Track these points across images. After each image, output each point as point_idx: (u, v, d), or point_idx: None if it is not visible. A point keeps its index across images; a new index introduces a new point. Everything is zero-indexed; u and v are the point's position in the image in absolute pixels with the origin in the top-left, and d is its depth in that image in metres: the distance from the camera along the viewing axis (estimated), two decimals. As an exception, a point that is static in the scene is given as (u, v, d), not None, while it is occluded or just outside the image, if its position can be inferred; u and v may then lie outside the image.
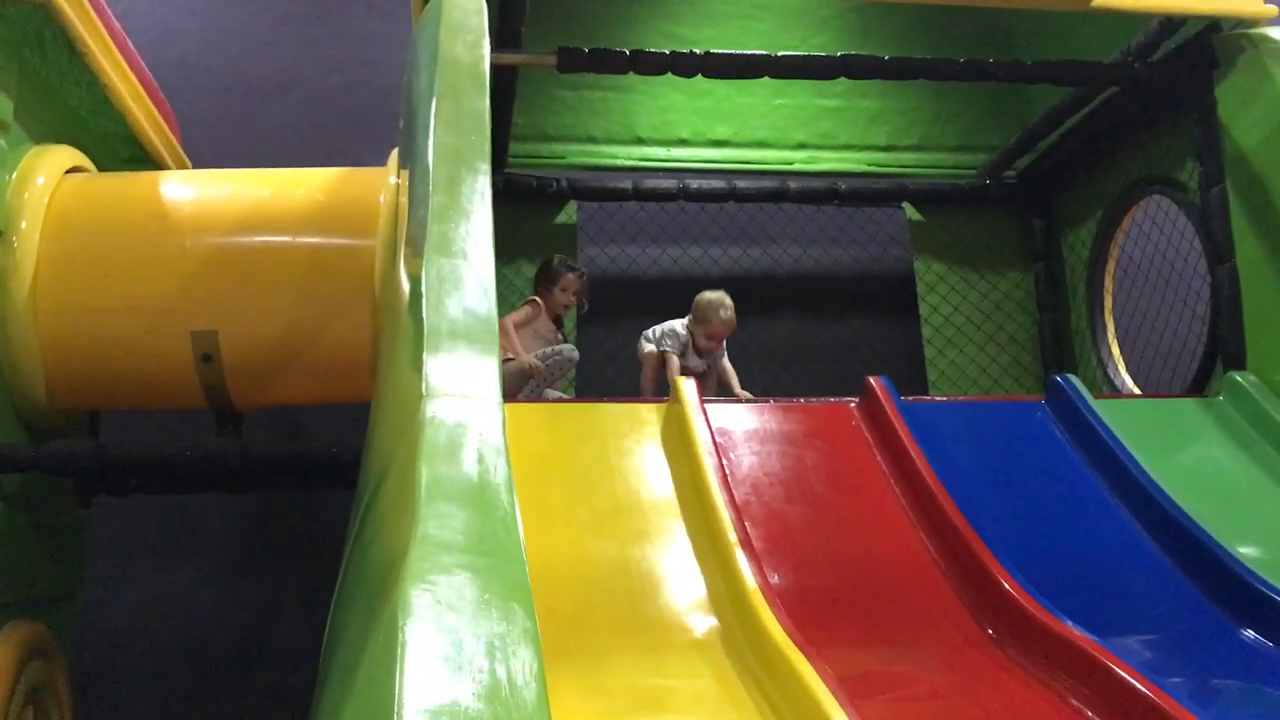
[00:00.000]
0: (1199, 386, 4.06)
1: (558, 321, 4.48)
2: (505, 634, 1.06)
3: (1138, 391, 4.58)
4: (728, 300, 4.32)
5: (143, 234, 3.48)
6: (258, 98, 5.17)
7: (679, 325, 4.36)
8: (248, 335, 3.49)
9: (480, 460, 1.53)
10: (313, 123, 5.13)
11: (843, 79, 5.04)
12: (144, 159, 4.04)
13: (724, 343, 4.40)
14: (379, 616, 1.13)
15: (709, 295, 4.35)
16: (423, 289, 2.03)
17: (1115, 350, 4.84)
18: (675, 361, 4.28)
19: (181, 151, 4.27)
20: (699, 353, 4.30)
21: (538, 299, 4.42)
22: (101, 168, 3.81)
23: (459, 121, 2.57)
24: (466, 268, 2.09)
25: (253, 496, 4.47)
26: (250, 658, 4.56)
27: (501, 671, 1.00)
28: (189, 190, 3.66)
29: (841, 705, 2.09)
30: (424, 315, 1.97)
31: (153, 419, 4.12)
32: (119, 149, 4.00)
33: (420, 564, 1.17)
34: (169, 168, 4.11)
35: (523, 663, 1.02)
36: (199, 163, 4.27)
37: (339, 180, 3.73)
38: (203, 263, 3.48)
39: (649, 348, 4.38)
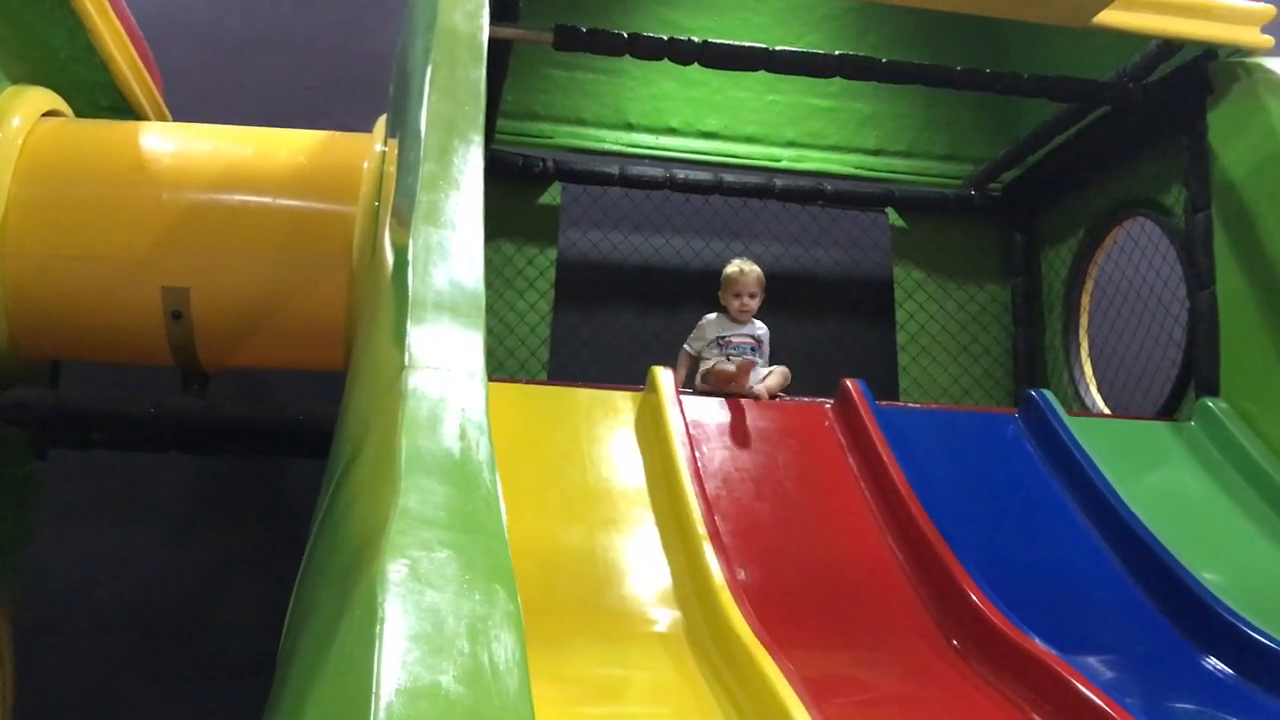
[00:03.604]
0: (1170, 410, 4.08)
1: None
2: (488, 616, 1.03)
3: (1107, 411, 4.59)
4: (743, 259, 4.18)
5: (118, 184, 3.40)
6: (244, 54, 5.07)
7: (707, 318, 4.12)
8: (220, 294, 3.41)
9: (463, 435, 1.49)
10: (299, 84, 5.03)
11: (837, 80, 5.04)
12: (124, 109, 3.94)
13: (766, 349, 4.10)
14: (354, 591, 1.09)
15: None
16: (409, 258, 1.98)
17: (1088, 369, 4.85)
18: (690, 360, 4.04)
19: (163, 104, 4.18)
20: (738, 320, 4.04)
21: None
22: (79, 115, 3.71)
23: (454, 91, 2.52)
24: (455, 239, 2.05)
25: (213, 459, 4.39)
26: (199, 623, 4.48)
27: (484, 655, 0.96)
28: (169, 143, 3.57)
29: (805, 705, 2.08)
30: (409, 285, 1.92)
31: (117, 373, 4.03)
32: (98, 97, 3.90)
33: (400, 538, 1.13)
34: (149, 119, 4.02)
35: (505, 647, 0.99)
36: (180, 117, 4.17)
37: (323, 143, 3.66)
38: (178, 218, 3.40)
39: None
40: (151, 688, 4.30)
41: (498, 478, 1.42)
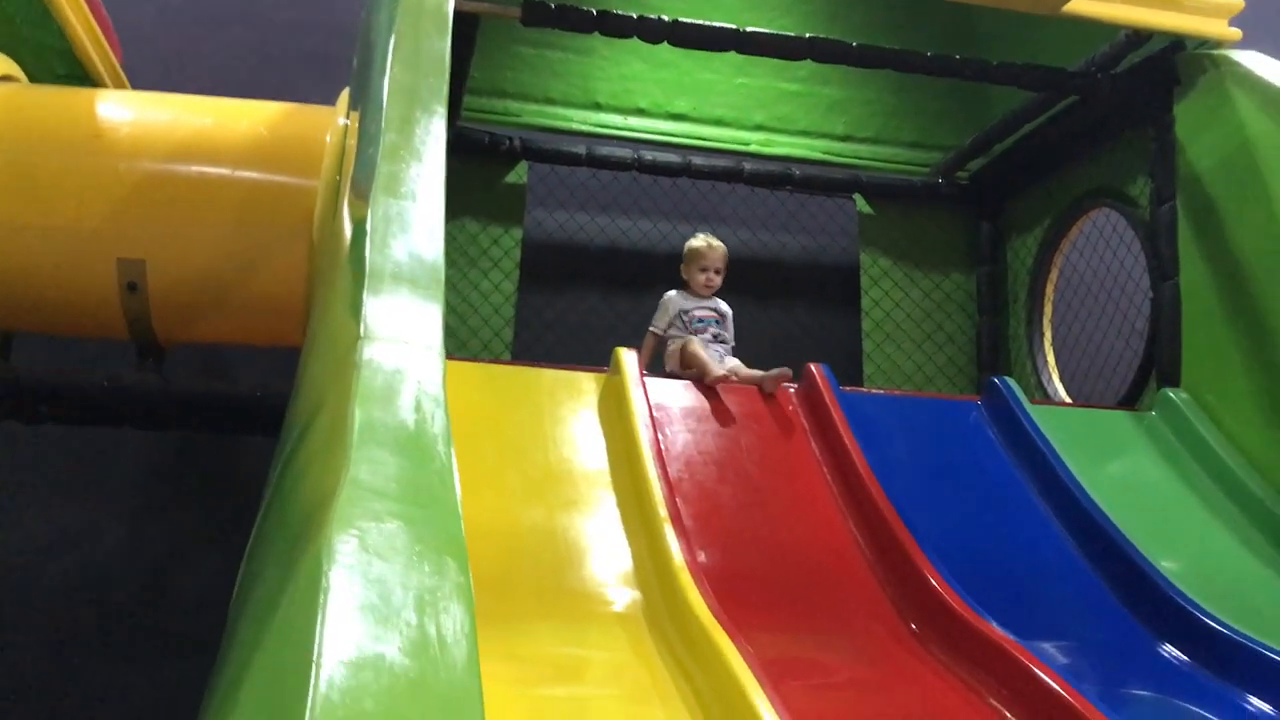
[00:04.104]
0: (1131, 400, 4.10)
1: None
2: (437, 588, 0.99)
3: (1068, 400, 4.62)
4: (706, 234, 4.13)
5: (74, 152, 3.32)
6: (206, 25, 4.97)
7: (668, 294, 4.05)
8: (177, 267, 3.35)
9: (418, 408, 1.46)
10: (260, 57, 4.95)
11: (806, 64, 5.01)
12: (81, 77, 3.86)
13: (730, 325, 4.02)
14: (300, 561, 1.05)
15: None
16: (367, 229, 1.93)
17: (1050, 358, 4.87)
18: (655, 340, 3.96)
19: (121, 72, 4.09)
20: (701, 295, 3.97)
21: None
22: (35, 82, 3.63)
23: (417, 61, 2.47)
24: (415, 210, 2.00)
25: (168, 435, 4.32)
26: (153, 602, 4.42)
27: (431, 627, 0.93)
28: (127, 111, 3.50)
29: (763, 687, 2.06)
30: (366, 256, 1.88)
31: (70, 346, 3.95)
32: (55, 64, 3.82)
33: (349, 509, 1.10)
34: (107, 88, 3.93)
35: (454, 619, 0.96)
36: (138, 86, 4.08)
37: (285, 115, 3.60)
38: (135, 188, 3.33)
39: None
40: (106, 667, 4.24)
41: (453, 452, 1.39)
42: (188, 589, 4.45)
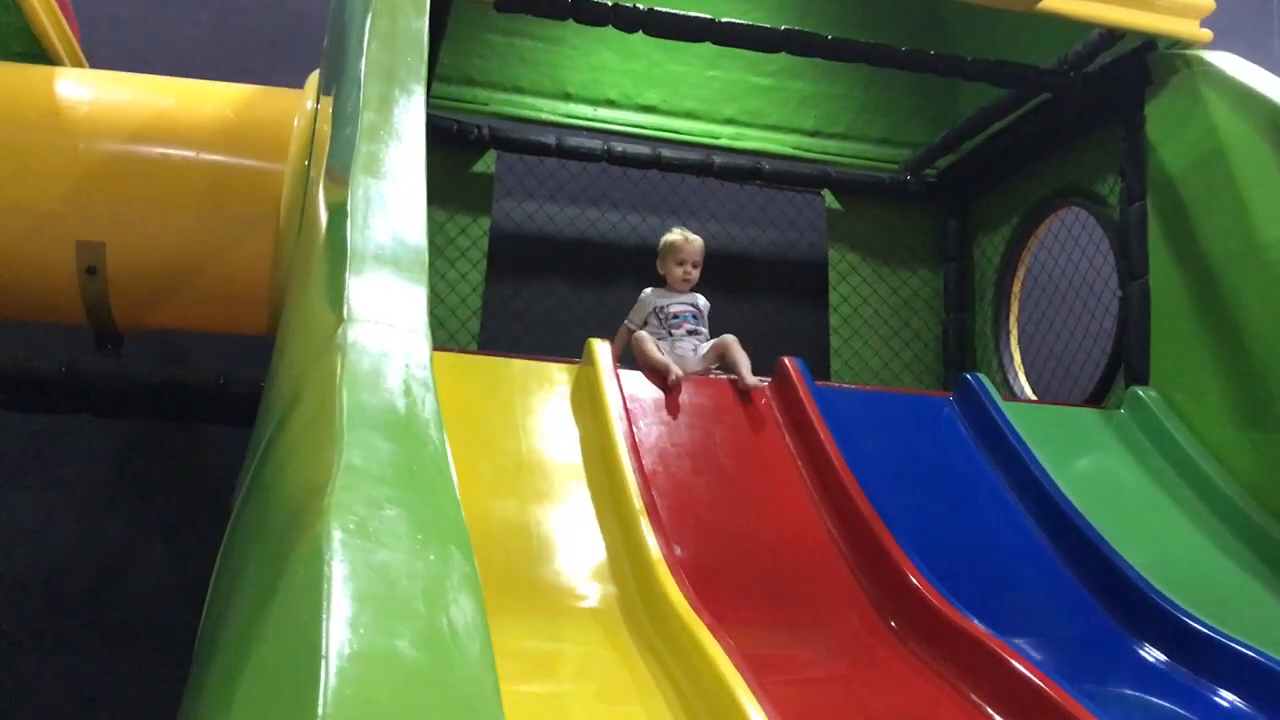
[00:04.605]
0: (1098, 398, 4.12)
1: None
2: (444, 577, 0.95)
3: (1034, 397, 4.63)
4: (683, 228, 4.06)
5: (31, 131, 3.23)
6: (169, 6, 4.86)
7: (645, 292, 3.95)
8: (138, 251, 3.27)
9: (407, 392, 1.40)
10: (224, 39, 4.84)
11: (777, 58, 5.01)
12: (38, 55, 3.74)
13: (705, 318, 3.93)
14: (295, 552, 1.00)
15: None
16: (348, 210, 1.87)
17: (1017, 356, 4.89)
18: (629, 334, 3.83)
19: (80, 53, 3.98)
20: (678, 289, 3.89)
21: None
22: (-10, 58, 3.52)
23: (395, 40, 2.41)
24: (396, 190, 1.95)
25: (127, 423, 4.21)
26: (108, 595, 4.31)
27: (441, 619, 0.88)
28: (86, 91, 3.40)
29: (746, 681, 2.03)
30: (347, 238, 1.82)
31: (26, 331, 3.84)
32: (10, 41, 3.70)
33: (345, 494, 1.04)
34: (65, 66, 3.82)
35: (464, 611, 0.91)
36: (97, 67, 3.97)
37: (251, 98, 3.52)
38: (95, 170, 3.24)
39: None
40: (60, 660, 4.13)
41: (445, 437, 1.34)
42: (143, 580, 4.34)
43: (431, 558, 0.97)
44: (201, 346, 4.22)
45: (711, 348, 3.73)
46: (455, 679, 0.83)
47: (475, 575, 0.98)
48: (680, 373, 3.48)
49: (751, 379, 3.54)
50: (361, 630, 0.83)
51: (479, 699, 0.82)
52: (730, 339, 3.71)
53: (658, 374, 3.49)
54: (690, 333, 3.83)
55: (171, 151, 3.35)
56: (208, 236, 3.33)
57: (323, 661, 0.78)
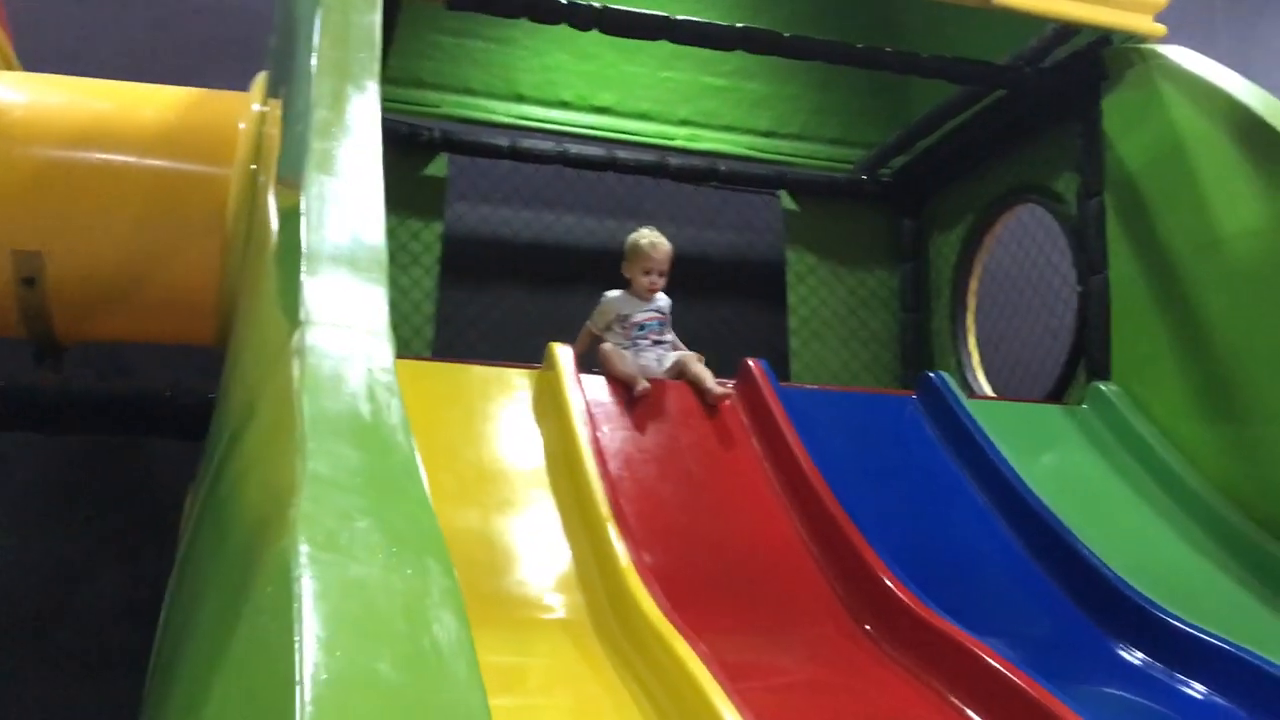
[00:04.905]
0: (1059, 394, 4.12)
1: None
2: (424, 593, 0.87)
3: (992, 395, 4.63)
4: (652, 230, 3.83)
5: (-38, 136, 3.09)
6: (106, 7, 4.71)
7: (608, 297, 3.78)
8: (78, 260, 3.15)
9: (371, 396, 1.33)
10: (165, 42, 4.70)
11: (731, 59, 4.97)
12: (-32, 58, 3.61)
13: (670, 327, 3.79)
14: (258, 570, 0.92)
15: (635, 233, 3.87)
16: (302, 209, 1.79)
17: (975, 354, 4.88)
18: (590, 337, 3.72)
19: (13, 56, 3.83)
20: (642, 298, 3.70)
21: None
22: (-83, 61, 3.38)
23: (346, 36, 2.33)
24: (352, 188, 1.87)
25: (70, 440, 4.07)
26: (53, 618, 4.15)
27: (424, 638, 0.81)
28: (20, 94, 3.27)
29: (725, 690, 1.97)
30: (302, 238, 1.73)
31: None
32: (-61, 44, 3.56)
33: (312, 505, 0.97)
34: (-3, 70, 3.68)
35: (447, 628, 0.84)
36: (31, 70, 3.83)
37: (195, 101, 3.41)
38: (31, 176, 3.12)
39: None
40: (4, 689, 3.97)
41: (414, 443, 1.27)
42: (88, 605, 4.19)
43: (409, 572, 0.90)
44: (148, 358, 4.09)
45: (674, 364, 3.61)
46: (442, 703, 0.76)
47: (456, 589, 0.91)
48: (647, 385, 3.39)
49: (717, 388, 3.45)
50: (338, 653, 0.76)
51: (470, 724, 0.75)
52: (690, 358, 3.60)
53: (624, 383, 3.42)
54: (655, 343, 3.69)
55: (112, 157, 3.23)
56: (151, 244, 3.22)
57: (297, 688, 0.71)
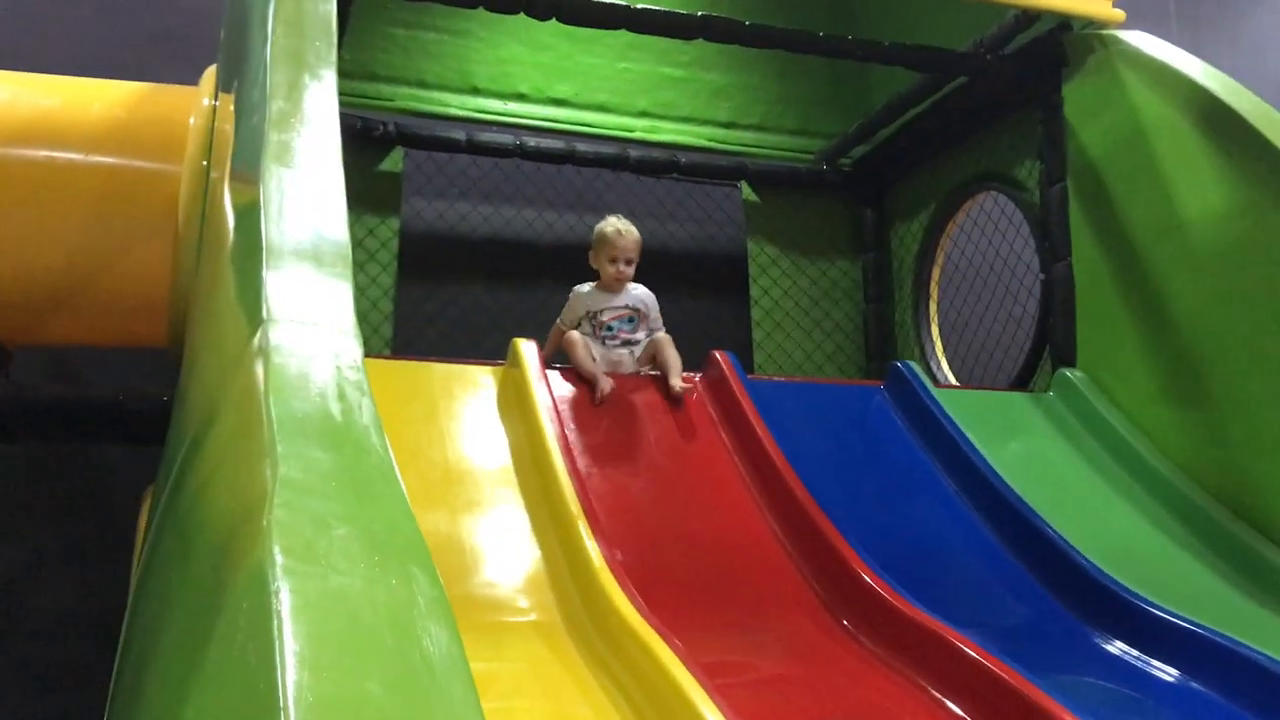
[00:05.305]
0: (1024, 382, 4.12)
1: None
2: (410, 604, 0.82)
3: (956, 384, 4.62)
4: (619, 218, 3.68)
5: (-102, 133, 2.98)
6: (50, 2, 4.57)
7: (577, 290, 3.64)
8: (22, 262, 3.07)
9: (341, 397, 1.27)
10: (111, 35, 4.56)
11: (690, 49, 4.94)
12: (-97, 53, 3.48)
13: (657, 316, 3.67)
14: (231, 584, 0.86)
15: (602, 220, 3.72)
16: (260, 203, 1.72)
17: (938, 344, 4.88)
18: (561, 335, 3.57)
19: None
20: (611, 289, 3.56)
21: None
22: None
23: (301, 23, 2.26)
24: (312, 181, 1.80)
25: (16, 448, 3.94)
26: (2, 630, 4.03)
27: (414, 653, 0.76)
28: (-41, 90, 3.16)
29: (704, 688, 1.92)
30: (262, 233, 1.66)
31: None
32: (-127, 38, 3.43)
33: (286, 512, 0.91)
34: (-66, 65, 3.56)
35: (438, 642, 0.78)
36: (-31, 66, 3.70)
37: (143, 96, 3.32)
38: (-30, 174, 3.01)
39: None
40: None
41: (388, 444, 1.21)
42: (38, 615, 4.07)
43: (393, 582, 0.84)
44: (97, 362, 3.98)
45: (644, 349, 3.52)
46: (439, 724, 0.71)
47: (444, 598, 0.85)
48: (609, 387, 3.27)
49: (678, 383, 3.35)
50: (323, 673, 0.70)
51: (469, 747, 0.70)
52: (663, 339, 3.50)
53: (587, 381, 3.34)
54: (624, 343, 3.55)
55: (57, 154, 3.14)
56: (99, 243, 3.14)
57: (281, 714, 0.65)
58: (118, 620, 1.85)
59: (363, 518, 0.94)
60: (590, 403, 3.25)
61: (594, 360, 3.40)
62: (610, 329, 3.53)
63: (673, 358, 3.44)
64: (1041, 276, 4.04)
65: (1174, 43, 3.66)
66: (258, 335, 1.42)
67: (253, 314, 1.49)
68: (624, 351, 3.54)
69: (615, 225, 3.59)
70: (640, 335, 3.59)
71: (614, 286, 3.57)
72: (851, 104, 5.27)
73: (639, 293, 3.62)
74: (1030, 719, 2.05)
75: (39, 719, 3.83)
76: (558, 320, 3.66)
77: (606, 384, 3.28)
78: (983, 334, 4.64)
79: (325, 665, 0.71)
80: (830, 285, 5.28)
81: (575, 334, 3.47)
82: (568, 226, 4.89)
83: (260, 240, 1.64)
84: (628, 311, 3.57)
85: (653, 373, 3.49)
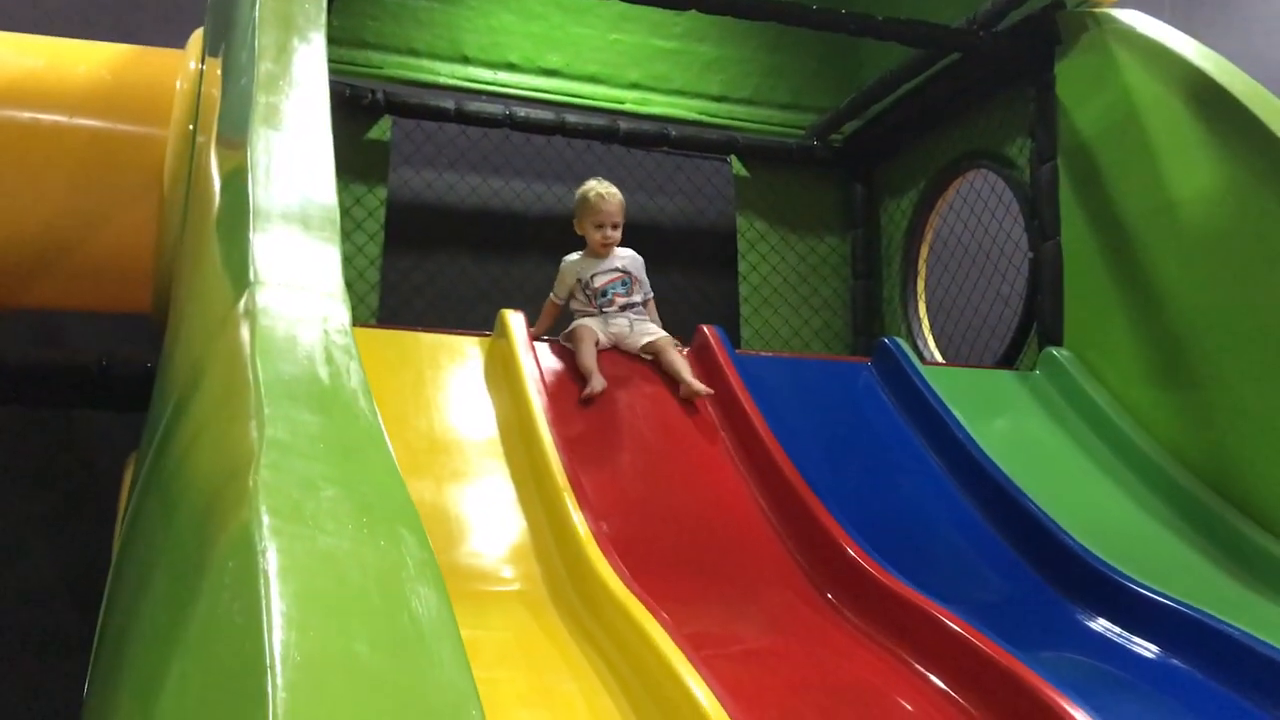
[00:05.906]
0: (1010, 360, 4.12)
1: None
2: (399, 566, 0.81)
3: (942, 361, 4.63)
4: (600, 181, 3.63)
5: (-121, 93, 2.94)
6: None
7: (566, 261, 3.60)
8: (5, 224, 3.03)
9: (329, 360, 1.25)
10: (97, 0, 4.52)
11: (682, 20, 4.90)
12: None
13: (652, 307, 3.62)
14: (217, 543, 0.85)
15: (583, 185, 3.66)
16: (248, 166, 1.70)
17: (925, 321, 4.87)
18: (555, 309, 3.57)
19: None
20: (599, 255, 3.51)
21: None
22: None
23: (291, -14, 2.22)
24: (300, 144, 1.78)
25: (-1, 412, 3.92)
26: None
27: (403, 615, 0.75)
28: (-59, 50, 3.12)
29: (689, 659, 1.92)
30: (249, 196, 1.65)
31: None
32: None
33: (273, 473, 0.90)
34: (-84, 24, 3.50)
35: (427, 603, 0.78)
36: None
37: (129, 58, 3.28)
38: (-46, 136, 2.97)
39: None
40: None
41: (376, 408, 1.20)
42: (20, 584, 4.05)
43: (382, 543, 0.84)
44: (80, 326, 3.94)
45: (647, 345, 3.41)
46: (428, 685, 0.70)
47: (433, 561, 0.85)
48: (600, 388, 3.19)
49: (695, 384, 3.24)
50: (311, 632, 0.69)
51: (458, 707, 0.69)
52: (665, 342, 3.40)
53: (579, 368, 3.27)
54: (622, 309, 3.48)
55: (41, 116, 3.11)
56: (84, 207, 3.11)
57: (268, 672, 0.64)
58: (100, 586, 1.84)
59: (351, 479, 0.94)
60: (578, 375, 3.24)
61: (596, 360, 3.29)
62: (605, 294, 3.49)
63: (681, 360, 3.37)
64: (1030, 255, 4.04)
65: (1167, 22, 3.64)
66: (244, 298, 1.41)
67: (239, 277, 1.47)
68: (623, 321, 3.46)
69: (597, 190, 3.55)
70: (636, 298, 3.53)
71: (602, 251, 3.54)
72: (843, 79, 5.25)
73: (628, 258, 3.59)
74: (1011, 692, 2.06)
75: (22, 685, 3.82)
76: (551, 295, 3.61)
77: (598, 385, 3.20)
78: (970, 311, 4.64)
79: (313, 625, 0.70)
80: (819, 261, 5.27)
81: (584, 328, 3.37)
82: (556, 198, 4.86)
83: (247, 203, 1.62)
84: (620, 275, 3.53)
85: (647, 356, 3.44)
